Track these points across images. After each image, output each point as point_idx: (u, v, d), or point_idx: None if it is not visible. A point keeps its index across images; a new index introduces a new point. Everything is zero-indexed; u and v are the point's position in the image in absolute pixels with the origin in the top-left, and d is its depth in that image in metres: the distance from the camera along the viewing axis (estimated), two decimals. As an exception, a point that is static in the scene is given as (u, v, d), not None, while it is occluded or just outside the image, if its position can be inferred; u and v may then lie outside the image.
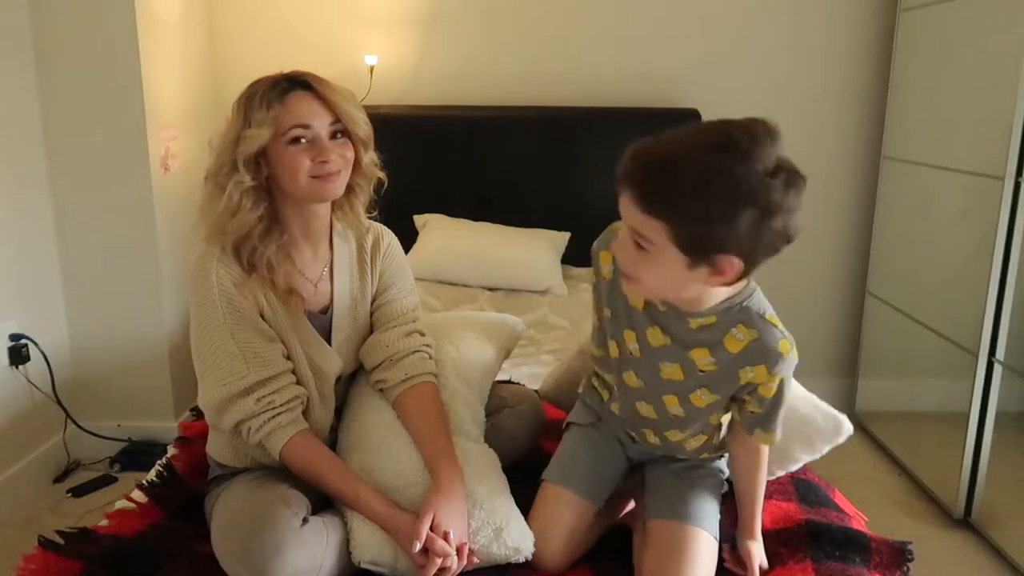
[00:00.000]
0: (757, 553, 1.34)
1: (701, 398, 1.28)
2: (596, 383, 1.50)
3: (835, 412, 1.51)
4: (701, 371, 1.25)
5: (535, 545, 1.32)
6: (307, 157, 1.30)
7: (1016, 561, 2.16)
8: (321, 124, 1.31)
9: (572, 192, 2.94)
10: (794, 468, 1.55)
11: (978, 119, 2.39)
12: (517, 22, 2.99)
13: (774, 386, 1.23)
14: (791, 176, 1.03)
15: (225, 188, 1.29)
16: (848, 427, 1.49)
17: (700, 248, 1.05)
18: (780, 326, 1.21)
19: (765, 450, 1.35)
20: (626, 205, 1.09)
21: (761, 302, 1.22)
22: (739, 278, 1.10)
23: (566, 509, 1.37)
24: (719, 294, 1.19)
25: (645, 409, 1.36)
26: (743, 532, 1.36)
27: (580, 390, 1.56)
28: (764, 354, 1.19)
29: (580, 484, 1.40)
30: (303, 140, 1.30)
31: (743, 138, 1.02)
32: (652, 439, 1.41)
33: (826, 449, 1.51)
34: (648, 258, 1.09)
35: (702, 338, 1.23)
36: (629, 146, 1.09)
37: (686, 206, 1.02)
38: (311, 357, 1.39)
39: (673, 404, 1.32)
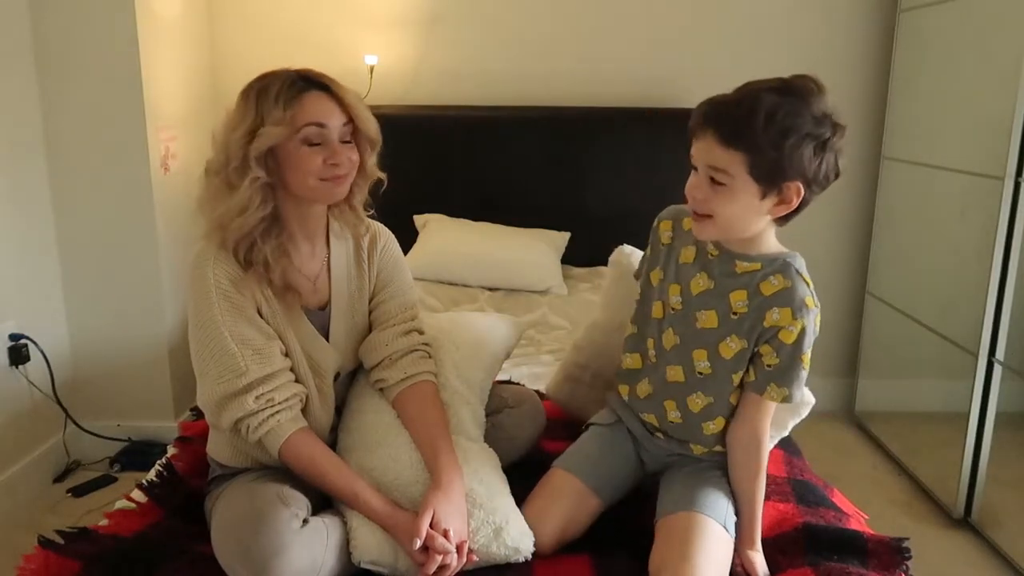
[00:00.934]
0: (759, 563, 1.33)
1: (730, 346, 1.34)
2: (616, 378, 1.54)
3: None
4: (735, 314, 1.34)
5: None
6: (319, 158, 1.30)
7: (1016, 561, 2.16)
8: (335, 125, 1.31)
9: (572, 192, 2.93)
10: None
11: (978, 119, 2.39)
12: (517, 22, 2.99)
13: (795, 332, 1.30)
14: (836, 121, 1.24)
15: (234, 184, 1.28)
16: (810, 397, 1.51)
17: (772, 175, 1.22)
18: (811, 287, 1.33)
19: (766, 442, 1.35)
20: (705, 145, 1.25)
21: (802, 265, 1.34)
22: (799, 207, 1.27)
23: (567, 494, 1.39)
24: (771, 240, 1.34)
25: (673, 373, 1.40)
26: (744, 541, 1.35)
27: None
28: (791, 299, 1.30)
29: (586, 473, 1.42)
30: (317, 141, 1.30)
31: (797, 85, 1.24)
32: (673, 415, 1.41)
33: (791, 424, 1.56)
34: (724, 192, 1.25)
35: (743, 281, 1.34)
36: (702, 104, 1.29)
37: (761, 136, 1.20)
38: (309, 354, 1.39)
39: (701, 358, 1.37)
